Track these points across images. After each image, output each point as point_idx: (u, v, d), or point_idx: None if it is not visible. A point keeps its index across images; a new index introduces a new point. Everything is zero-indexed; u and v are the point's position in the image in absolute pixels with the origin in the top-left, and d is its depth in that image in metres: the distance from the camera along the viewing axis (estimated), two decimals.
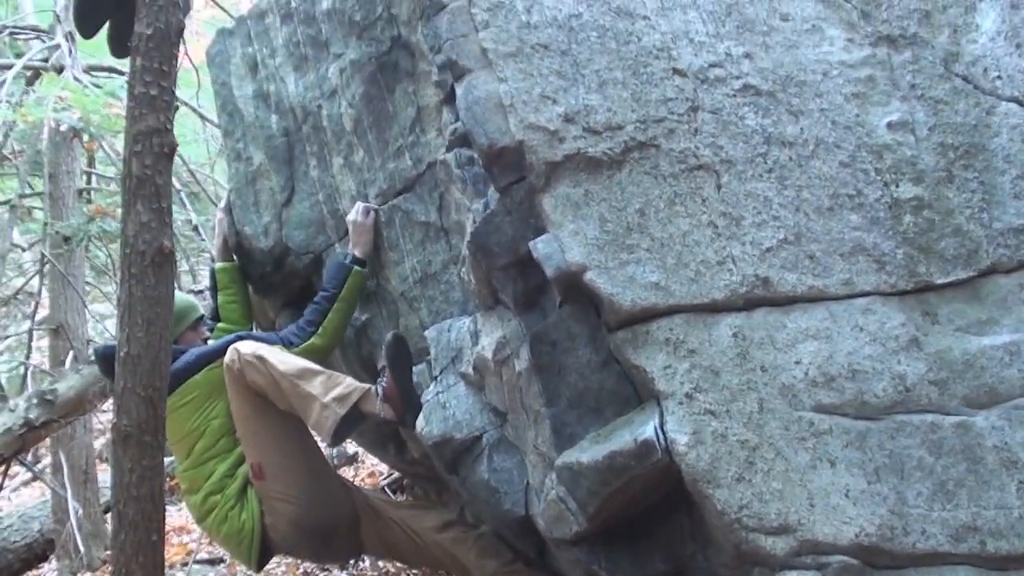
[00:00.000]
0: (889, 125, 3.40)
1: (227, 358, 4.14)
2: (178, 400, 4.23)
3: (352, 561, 6.12)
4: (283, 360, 4.06)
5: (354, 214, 4.34)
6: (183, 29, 3.23)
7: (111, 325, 9.50)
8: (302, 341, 4.33)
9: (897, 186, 3.31)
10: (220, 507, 4.35)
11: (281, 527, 4.32)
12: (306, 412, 4.07)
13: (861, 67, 3.49)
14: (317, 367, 4.11)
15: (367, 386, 4.09)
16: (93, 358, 5.29)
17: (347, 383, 4.08)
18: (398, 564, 6.06)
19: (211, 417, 4.37)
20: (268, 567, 6.16)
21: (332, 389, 4.03)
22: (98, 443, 9.41)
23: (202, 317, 4.87)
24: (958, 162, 3.35)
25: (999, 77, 3.47)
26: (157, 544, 3.15)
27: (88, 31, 3.76)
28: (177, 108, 3.27)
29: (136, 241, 3.12)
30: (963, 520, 2.86)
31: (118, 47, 3.55)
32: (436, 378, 3.89)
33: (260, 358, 4.04)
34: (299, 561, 6.21)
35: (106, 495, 8.32)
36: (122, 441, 3.11)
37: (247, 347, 4.10)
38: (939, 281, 3.20)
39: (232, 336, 4.43)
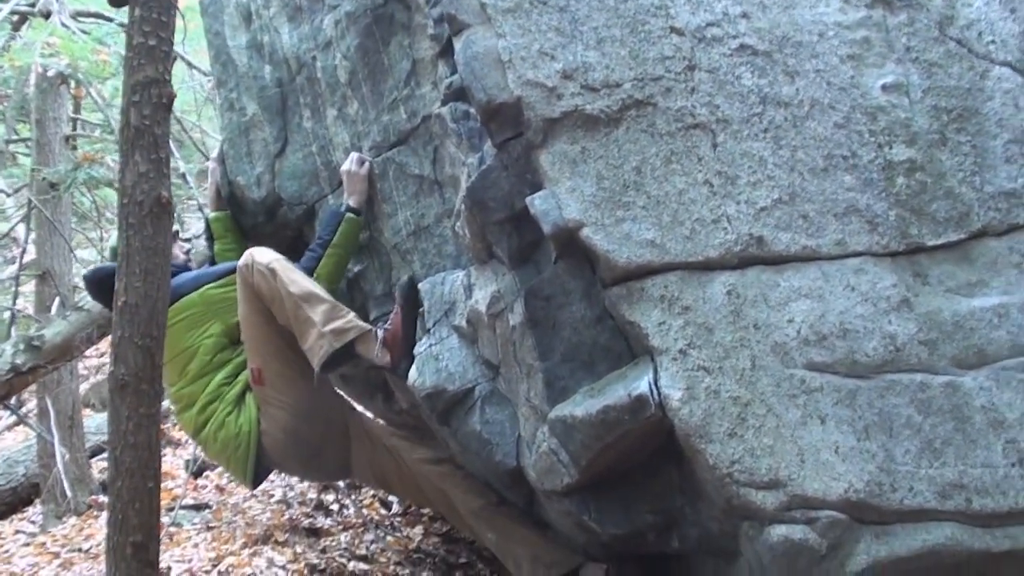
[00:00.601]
0: (884, 87, 3.42)
1: (241, 261, 4.18)
2: (172, 317, 4.25)
3: (337, 508, 6.18)
4: (293, 279, 4.07)
5: (348, 164, 4.35)
6: None
7: None
8: None
9: (891, 148, 3.34)
10: (218, 413, 4.39)
11: (275, 434, 4.36)
12: (303, 335, 4.09)
13: (857, 28, 3.51)
14: (324, 294, 4.13)
15: (368, 327, 4.12)
16: (83, 284, 5.29)
17: (349, 318, 4.10)
18: (382, 511, 6.12)
19: (205, 336, 4.42)
20: (254, 513, 6.22)
21: (332, 320, 4.05)
22: (83, 387, 9.43)
23: (176, 232, 4.89)
24: (951, 125, 3.38)
25: (993, 41, 3.50)
26: (153, 491, 3.19)
27: None
28: (175, 59, 3.26)
29: (134, 191, 3.13)
30: (950, 478, 2.92)
31: None
32: (429, 330, 3.93)
33: (272, 270, 4.06)
34: (285, 507, 6.27)
35: (91, 440, 8.36)
36: (119, 389, 3.13)
37: (263, 256, 4.13)
38: (930, 243, 3.24)
39: (233, 263, 4.46)
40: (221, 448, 4.44)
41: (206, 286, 4.41)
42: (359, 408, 4.85)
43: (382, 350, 4.06)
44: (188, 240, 5.02)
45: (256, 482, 4.60)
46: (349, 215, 4.33)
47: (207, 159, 7.58)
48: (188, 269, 4.72)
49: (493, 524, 4.28)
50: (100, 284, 4.47)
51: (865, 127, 3.37)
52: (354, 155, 4.36)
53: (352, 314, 4.15)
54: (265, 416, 4.34)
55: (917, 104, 3.41)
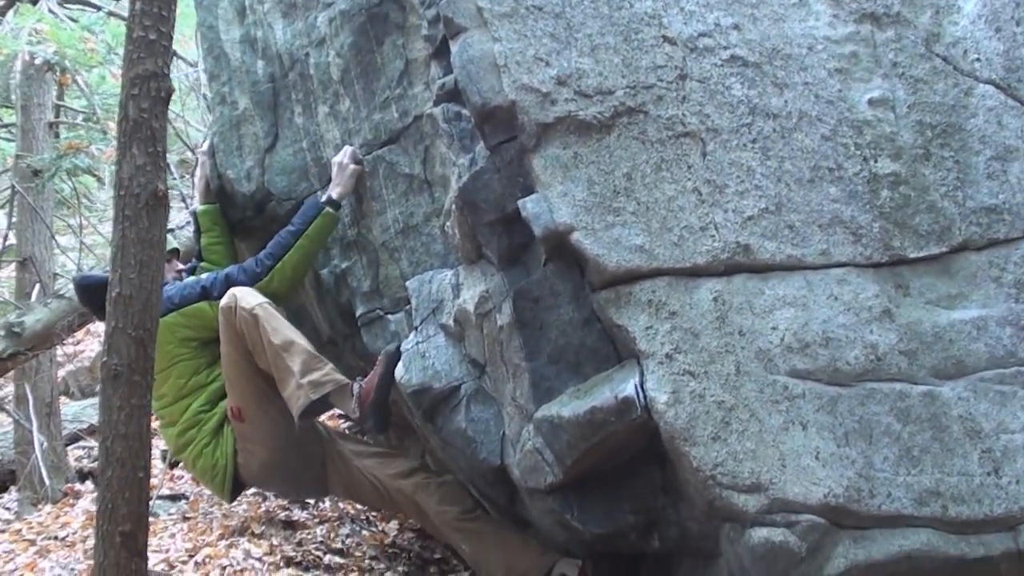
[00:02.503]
0: (870, 101, 3.49)
1: (224, 302, 4.20)
2: None
3: (312, 501, 6.21)
4: (275, 327, 4.11)
5: (341, 155, 4.39)
6: None
7: (75, 256, 9.49)
8: (260, 275, 4.37)
9: (876, 161, 3.41)
10: (196, 442, 4.46)
11: (252, 467, 4.45)
12: (282, 383, 4.14)
13: (845, 43, 3.57)
14: (303, 343, 4.17)
15: (344, 381, 4.15)
16: (72, 287, 5.28)
17: (326, 371, 4.14)
18: (357, 506, 6.16)
19: (176, 359, 4.44)
20: (231, 504, 6.24)
21: (310, 372, 4.09)
22: (60, 374, 9.40)
23: (176, 251, 4.91)
24: (935, 140, 3.45)
25: (978, 59, 3.56)
26: (143, 480, 3.20)
27: None
28: (174, 54, 3.29)
29: (131, 184, 3.14)
30: (927, 485, 2.98)
31: None
32: (416, 328, 3.96)
33: (255, 316, 4.09)
34: (262, 500, 6.29)
35: (68, 428, 8.34)
36: (112, 379, 3.14)
37: (246, 300, 4.15)
38: (912, 255, 3.31)
39: (193, 281, 4.52)
40: (199, 474, 4.60)
41: (169, 314, 4.36)
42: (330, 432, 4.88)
43: (356, 405, 4.12)
44: (171, 231, 4.98)
45: (233, 498, 4.73)
46: (328, 209, 4.36)
47: (189, 149, 7.60)
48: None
49: (468, 533, 4.31)
50: (88, 291, 4.50)
51: (851, 140, 3.43)
52: (348, 148, 4.40)
53: (329, 366, 4.20)
54: (243, 451, 4.43)
55: (902, 119, 3.47)
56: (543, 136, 3.35)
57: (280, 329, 4.14)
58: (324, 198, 4.38)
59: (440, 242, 4.12)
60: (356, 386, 4.14)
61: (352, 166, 4.36)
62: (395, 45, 4.24)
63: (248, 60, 4.83)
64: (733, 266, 3.24)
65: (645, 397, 3.06)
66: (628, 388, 3.08)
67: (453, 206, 3.68)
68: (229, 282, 4.36)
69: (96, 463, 4.26)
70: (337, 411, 4.56)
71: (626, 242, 3.23)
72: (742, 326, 3.15)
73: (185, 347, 4.44)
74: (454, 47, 3.53)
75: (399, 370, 3.88)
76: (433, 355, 3.85)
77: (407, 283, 4.10)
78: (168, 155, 7.69)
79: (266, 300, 4.22)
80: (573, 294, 3.39)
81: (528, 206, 3.32)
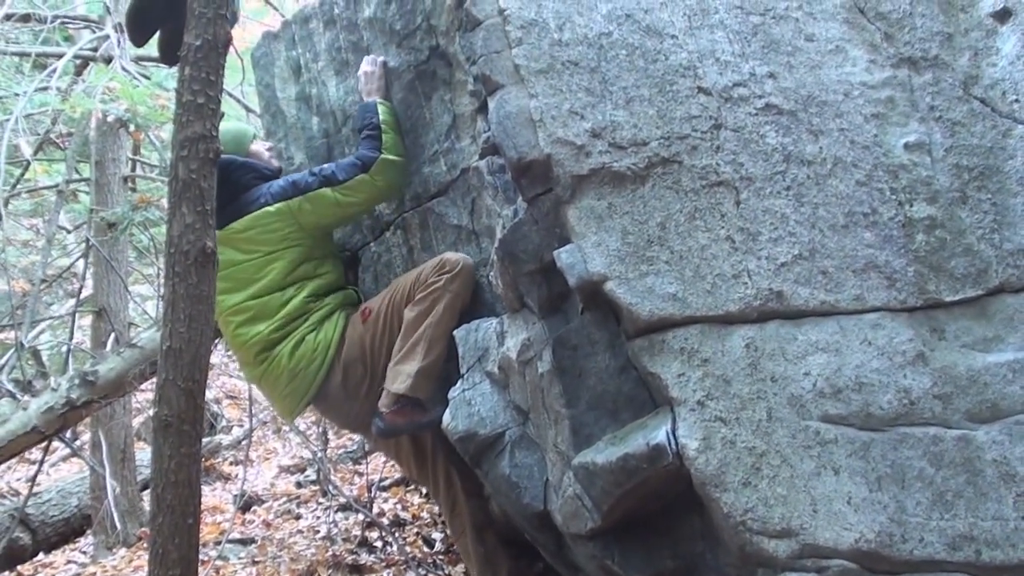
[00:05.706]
0: (906, 146, 3.51)
1: (453, 257, 4.26)
2: (253, 223, 4.45)
3: (381, 545, 6.28)
4: (443, 320, 4.23)
5: (365, 64, 4.54)
6: (230, 41, 3.38)
7: (151, 307, 9.70)
8: (368, 164, 4.40)
9: (911, 205, 3.42)
10: (300, 330, 4.47)
11: (336, 366, 4.48)
12: (402, 354, 4.28)
13: (882, 88, 3.60)
14: (441, 352, 4.26)
15: (416, 400, 4.27)
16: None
17: (428, 387, 4.28)
18: (425, 549, 6.21)
19: (288, 244, 4.50)
20: (299, 548, 6.33)
21: (423, 376, 4.22)
22: (136, 422, 9.60)
23: (255, 135, 4.93)
24: (972, 183, 3.46)
25: (1016, 100, 3.57)
26: (192, 527, 3.30)
27: (139, 40, 3.89)
28: (223, 115, 3.41)
29: (180, 241, 3.27)
30: (960, 530, 2.98)
31: (168, 55, 3.67)
32: (463, 376, 4.03)
33: (445, 292, 4.23)
34: (329, 544, 6.37)
35: (143, 473, 8.52)
36: (163, 429, 3.26)
37: (459, 279, 4.23)
38: (948, 299, 3.31)
39: (303, 175, 4.53)
40: (293, 365, 4.46)
41: (294, 199, 4.45)
42: None
43: (389, 408, 4.28)
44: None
45: (302, 410, 4.67)
46: (380, 100, 4.47)
47: None
48: (276, 175, 4.76)
49: (486, 532, 4.46)
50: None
51: (887, 185, 3.45)
52: (368, 57, 4.57)
53: (434, 386, 4.30)
54: (345, 344, 4.48)
55: (939, 162, 3.48)
56: (578, 188, 3.43)
57: (443, 325, 4.23)
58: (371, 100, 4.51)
59: (487, 291, 4.20)
60: (407, 406, 4.27)
61: (376, 69, 4.52)
62: (443, 100, 4.35)
63: (303, 117, 4.97)
64: (766, 313, 3.27)
65: (677, 444, 3.10)
66: (660, 435, 3.12)
67: (495, 256, 3.76)
68: (356, 165, 4.41)
69: None
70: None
71: (659, 290, 3.28)
72: (774, 372, 3.18)
73: (301, 232, 4.47)
74: (491, 103, 3.62)
75: (446, 417, 3.96)
76: (479, 402, 3.91)
77: (455, 332, 4.17)
78: None
79: (466, 293, 4.29)
80: (609, 342, 3.45)
81: (563, 256, 3.39)
